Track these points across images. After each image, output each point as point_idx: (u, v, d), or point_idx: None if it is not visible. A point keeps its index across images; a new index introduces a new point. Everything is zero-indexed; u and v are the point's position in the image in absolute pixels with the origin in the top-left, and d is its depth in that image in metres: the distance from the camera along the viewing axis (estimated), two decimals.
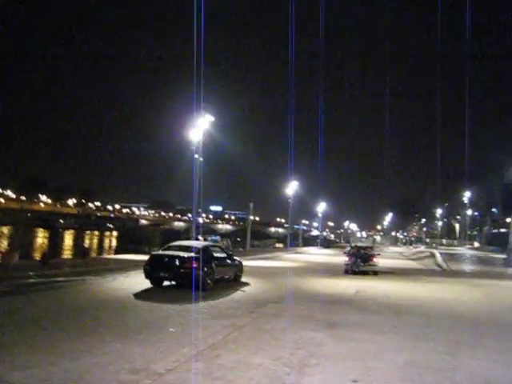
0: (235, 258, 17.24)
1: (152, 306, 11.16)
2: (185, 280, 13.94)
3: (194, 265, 13.72)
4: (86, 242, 72.82)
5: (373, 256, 23.01)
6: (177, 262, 14.02)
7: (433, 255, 40.98)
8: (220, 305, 11.53)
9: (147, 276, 14.50)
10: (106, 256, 36.56)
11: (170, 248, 15.83)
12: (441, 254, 41.61)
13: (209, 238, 68.20)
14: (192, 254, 14.24)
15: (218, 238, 71.44)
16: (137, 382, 5.50)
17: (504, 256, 32.14)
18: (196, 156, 26.15)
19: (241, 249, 43.77)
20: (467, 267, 30.89)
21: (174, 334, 8.13)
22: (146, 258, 25.34)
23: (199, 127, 25.89)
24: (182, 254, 14.42)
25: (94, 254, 46.25)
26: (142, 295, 12.62)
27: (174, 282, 14.57)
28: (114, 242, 74.15)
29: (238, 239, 64.13)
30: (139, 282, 15.43)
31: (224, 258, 16.35)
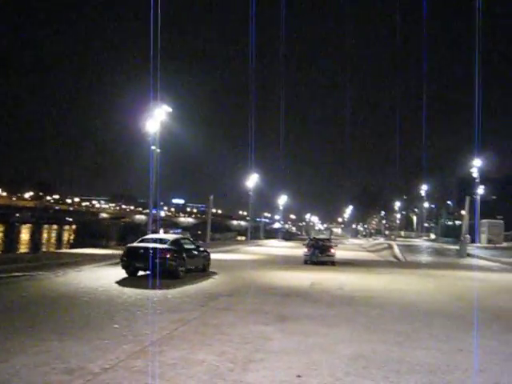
0: (203, 249, 18.35)
1: (101, 300, 10.76)
2: (159, 269, 14.49)
3: (167, 255, 14.92)
4: (44, 237, 70.89)
5: (330, 247, 23.89)
6: (151, 253, 14.74)
7: (390, 247, 41.65)
8: (172, 298, 11.24)
9: (124, 266, 15.35)
10: (60, 250, 35.53)
11: (144, 240, 16.63)
12: (398, 245, 42.33)
13: (171, 232, 67.32)
14: (165, 246, 15.45)
15: (179, 231, 70.91)
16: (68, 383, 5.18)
17: (457, 247, 32.95)
18: (153, 147, 25.59)
19: (201, 242, 43.31)
20: (422, 258, 31.50)
21: (118, 330, 7.78)
22: (101, 251, 25.10)
23: (156, 118, 25.35)
24: (156, 245, 15.35)
25: (50, 249, 45.08)
26: (92, 290, 12.13)
27: (148, 272, 15.05)
28: (72, 236, 72.29)
29: (199, 232, 63.58)
30: (92, 276, 15.07)
31: (194, 250, 17.28)
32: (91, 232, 59.66)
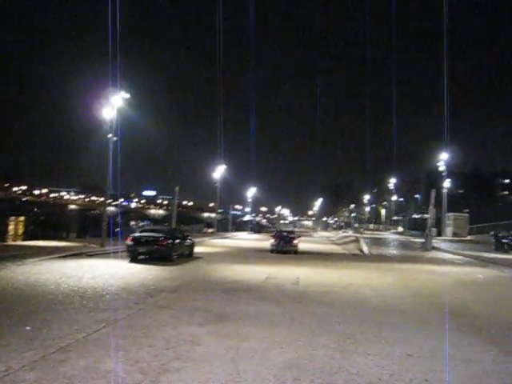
0: (190, 239, 21.75)
1: (29, 297, 9.70)
2: (157, 254, 18.17)
3: (164, 243, 18.16)
4: (5, 228, 68.37)
5: (293, 238, 26.97)
6: (151, 241, 18.22)
7: (357, 240, 41.41)
8: (106, 294, 10.27)
9: (129, 252, 18.39)
10: (10, 242, 33.85)
11: (144, 231, 20.65)
12: (365, 238, 42.14)
13: (140, 224, 65.81)
14: (161, 235, 18.59)
15: (146, 223, 69.55)
16: None
17: (422, 240, 32.76)
18: (110, 135, 24.37)
19: None
20: (387, 251, 31.14)
21: (28, 333, 6.81)
22: (54, 244, 23.90)
23: (113, 104, 24.17)
24: (154, 234, 18.83)
25: (8, 241, 43.15)
26: (25, 286, 11.17)
27: (147, 256, 18.36)
28: (32, 228, 69.95)
29: (166, 224, 62.33)
30: (32, 270, 14.06)
31: (182, 238, 20.57)
32: (53, 224, 57.81)
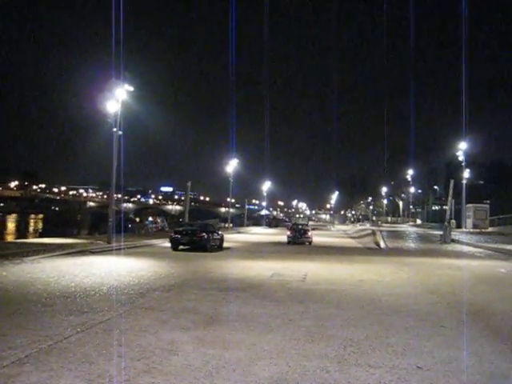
0: (220, 232, 24.58)
1: (12, 298, 8.99)
2: (195, 244, 21.29)
3: (201, 235, 21.31)
4: (21, 226, 68.84)
5: (308, 231, 30.12)
6: (190, 234, 21.59)
7: (374, 233, 40.32)
8: (94, 295, 9.52)
9: (171, 242, 21.67)
10: (19, 240, 33.39)
11: (183, 225, 25.03)
12: (382, 231, 41.02)
13: (158, 220, 65.78)
14: (198, 228, 22.31)
15: (161, 219, 69.37)
16: None
17: (441, 232, 31.55)
18: (114, 129, 23.70)
19: None
20: (404, 245, 30.02)
21: None
22: (60, 241, 23.42)
23: (118, 98, 23.46)
24: (192, 228, 22.68)
25: (22, 238, 43.10)
26: (13, 285, 10.57)
27: (187, 247, 21.45)
28: (47, 225, 70.29)
29: (180, 220, 62.04)
30: (28, 269, 13.40)
31: (214, 232, 23.32)
32: (66, 221, 57.88)
